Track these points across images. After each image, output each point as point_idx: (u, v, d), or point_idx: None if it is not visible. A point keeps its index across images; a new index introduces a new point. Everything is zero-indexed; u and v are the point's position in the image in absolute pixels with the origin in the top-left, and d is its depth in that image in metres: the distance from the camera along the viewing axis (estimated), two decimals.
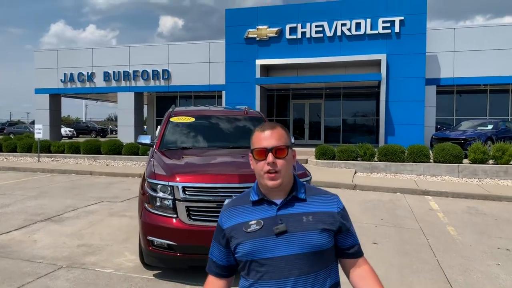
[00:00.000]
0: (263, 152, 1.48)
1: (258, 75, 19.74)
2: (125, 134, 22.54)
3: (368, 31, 18.49)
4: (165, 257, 4.11)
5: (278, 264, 1.42)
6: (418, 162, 11.99)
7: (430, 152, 12.31)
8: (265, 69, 20.81)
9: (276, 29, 19.60)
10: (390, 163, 12.14)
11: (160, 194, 4.11)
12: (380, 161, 12.40)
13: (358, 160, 12.80)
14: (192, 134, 5.66)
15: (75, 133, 37.24)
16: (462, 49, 18.96)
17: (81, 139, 22.46)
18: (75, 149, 15.82)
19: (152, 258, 4.21)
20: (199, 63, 22.49)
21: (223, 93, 21.43)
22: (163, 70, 23.05)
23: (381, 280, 1.59)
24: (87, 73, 24.35)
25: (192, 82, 22.74)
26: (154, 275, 4.33)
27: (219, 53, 21.48)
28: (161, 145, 5.32)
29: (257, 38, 19.89)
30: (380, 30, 18.31)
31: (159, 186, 4.13)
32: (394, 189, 9.56)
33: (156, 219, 4.09)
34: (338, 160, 13.05)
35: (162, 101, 26.98)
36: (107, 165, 13.70)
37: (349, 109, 22.55)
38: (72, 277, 4.24)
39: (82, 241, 5.53)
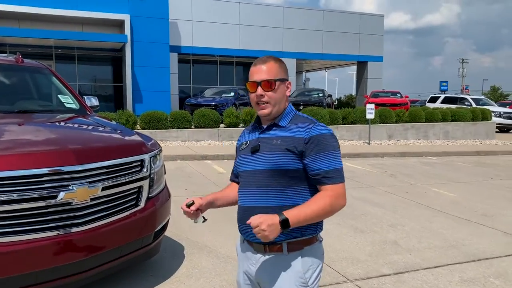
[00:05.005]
0: (254, 85, 1.65)
1: None
2: None
3: None
4: None
5: (246, 176, 1.69)
6: (182, 128, 11.92)
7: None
8: None
9: None
10: (155, 130, 11.52)
11: None
12: (144, 128, 11.59)
13: None
14: None
15: None
16: (199, 19, 19.99)
17: None
18: None
19: None
20: None
21: None
22: None
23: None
24: None
25: None
26: None
27: None
28: None
29: None
30: None
31: None
32: (174, 157, 9.09)
33: None
34: None
35: None
36: None
37: (86, 74, 20.14)
38: None
39: None
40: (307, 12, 22.63)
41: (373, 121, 13.66)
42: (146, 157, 3.05)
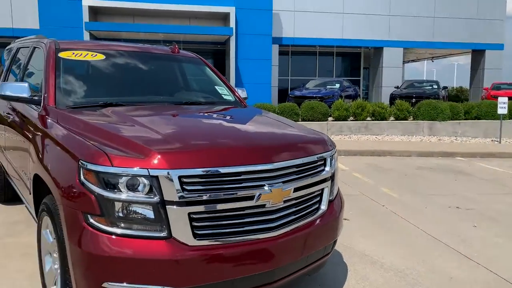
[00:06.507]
0: None
1: (86, 18, 16.05)
2: None
3: None
4: None
5: None
6: None
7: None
8: (93, 12, 17.13)
9: None
10: None
11: (128, 195, 2.02)
12: None
13: None
14: (109, 81, 3.38)
15: None
16: (301, 10, 19.53)
17: None
18: None
19: None
20: None
21: None
22: None
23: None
24: None
25: None
26: None
27: None
28: (60, 100, 2.91)
29: None
30: None
31: (123, 179, 2.02)
32: None
33: (122, 245, 2.01)
34: None
35: None
36: None
37: None
38: None
39: None
40: None
41: (503, 117, 12.08)
42: (328, 155, 2.71)
